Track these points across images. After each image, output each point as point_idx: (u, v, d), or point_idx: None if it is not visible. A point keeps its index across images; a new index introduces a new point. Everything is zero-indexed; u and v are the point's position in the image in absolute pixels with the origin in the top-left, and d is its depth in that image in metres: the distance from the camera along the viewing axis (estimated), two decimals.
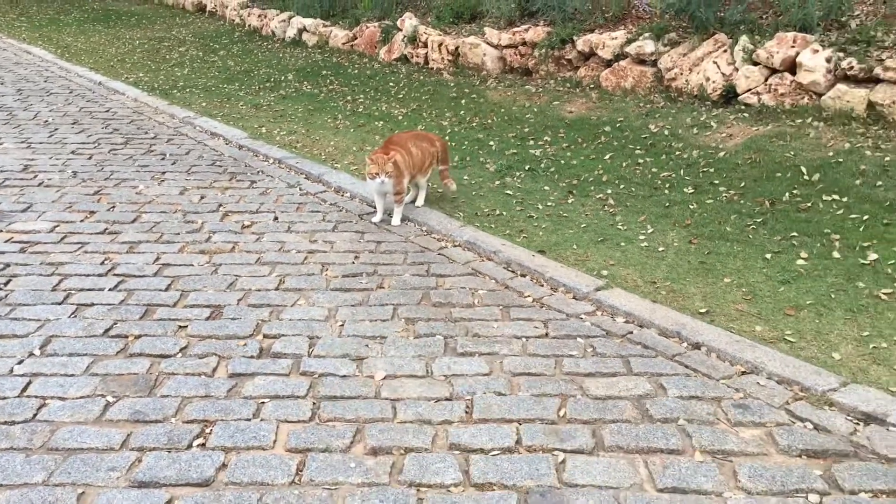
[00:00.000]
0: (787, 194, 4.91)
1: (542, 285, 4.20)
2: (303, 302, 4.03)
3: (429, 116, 7.56)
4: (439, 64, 9.04)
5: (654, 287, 4.07)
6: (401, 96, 8.37)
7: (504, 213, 5.17)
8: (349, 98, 8.48)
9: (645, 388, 3.17)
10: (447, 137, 6.87)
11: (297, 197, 5.64)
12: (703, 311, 3.79)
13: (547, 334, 3.65)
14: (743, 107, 6.25)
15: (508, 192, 5.53)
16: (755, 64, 6.27)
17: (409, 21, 9.74)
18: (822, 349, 3.40)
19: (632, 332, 3.65)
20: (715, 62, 6.54)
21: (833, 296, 3.84)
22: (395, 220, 5.09)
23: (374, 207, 5.20)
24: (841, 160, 5.12)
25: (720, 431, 2.88)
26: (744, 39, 6.40)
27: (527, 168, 5.92)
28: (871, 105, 5.59)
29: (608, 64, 7.39)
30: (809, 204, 4.76)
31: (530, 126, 6.84)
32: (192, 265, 4.47)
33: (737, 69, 6.39)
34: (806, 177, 5.06)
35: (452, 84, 8.42)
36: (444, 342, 3.58)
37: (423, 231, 5.00)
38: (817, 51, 5.91)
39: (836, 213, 4.61)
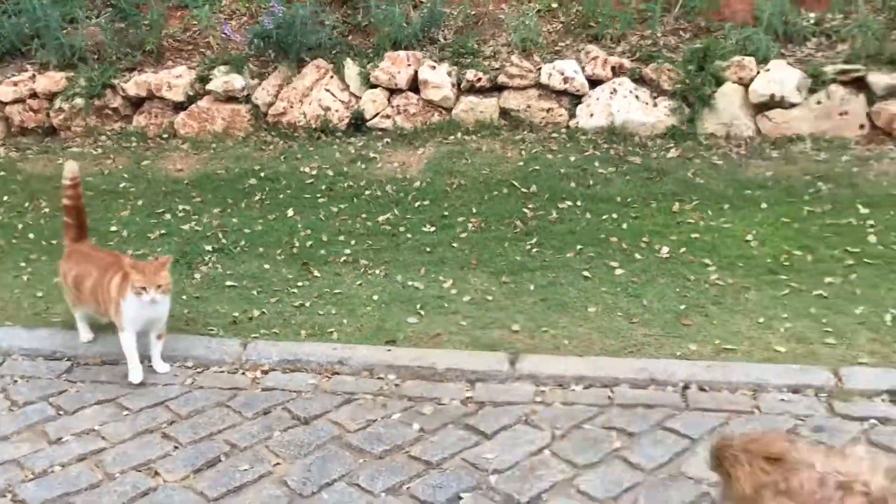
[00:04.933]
0: (525, 211, 4.91)
1: (444, 381, 3.45)
2: None
3: None
4: None
5: (547, 339, 3.71)
6: None
7: (263, 311, 4.06)
8: None
9: None
10: (25, 234, 5.02)
11: None
12: (631, 348, 3.61)
13: (564, 436, 3.03)
14: (379, 132, 5.97)
15: (229, 283, 4.35)
16: (374, 87, 6.03)
17: None
18: (763, 346, 3.57)
19: (611, 396, 3.27)
20: (328, 90, 6.07)
21: (687, 295, 4.03)
22: (160, 362, 3.56)
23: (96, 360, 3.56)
24: (537, 167, 5.32)
25: None
26: (349, 63, 6.08)
27: (210, 249, 4.71)
28: (504, 112, 5.90)
29: (180, 107, 6.25)
30: (556, 215, 4.85)
31: (141, 197, 5.40)
32: None
33: (356, 95, 6.05)
34: (524, 190, 5.12)
35: None
36: None
37: (194, 367, 3.62)
38: (434, 67, 5.96)
39: (589, 219, 4.80)
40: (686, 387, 3.31)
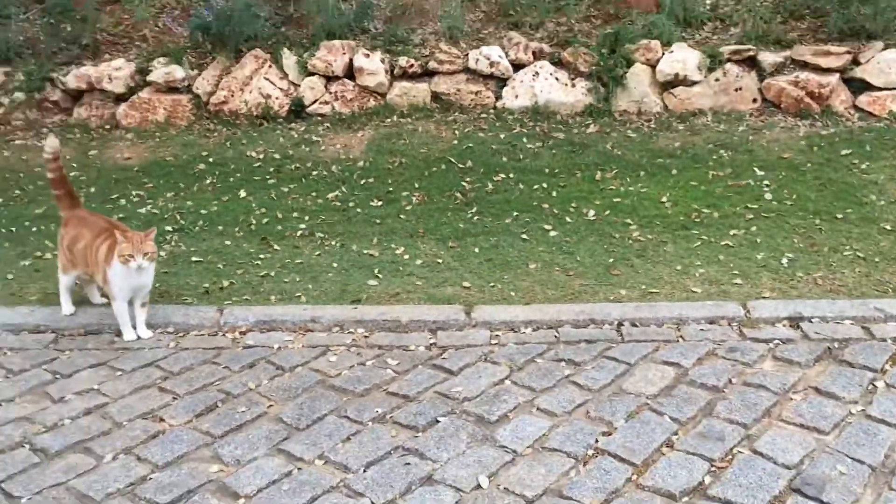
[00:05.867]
0: (464, 184, 5.37)
1: (409, 331, 3.87)
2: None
3: None
4: None
5: (495, 293, 4.18)
6: None
7: (232, 281, 4.39)
8: None
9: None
10: None
11: None
12: (570, 296, 4.10)
13: (520, 369, 3.49)
14: (319, 118, 6.32)
15: (195, 259, 4.65)
16: (311, 74, 6.36)
17: None
18: (682, 289, 4.13)
19: (557, 336, 3.74)
20: (267, 79, 6.37)
21: (614, 251, 4.56)
22: (145, 329, 3.85)
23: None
24: (471, 145, 5.79)
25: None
26: (287, 53, 6.40)
27: (171, 229, 5.00)
28: (435, 96, 6.33)
29: (121, 98, 6.44)
30: (491, 187, 5.33)
31: (93, 184, 5.61)
32: None
33: (294, 83, 6.37)
34: (461, 165, 5.58)
35: None
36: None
37: (175, 332, 3.94)
38: (368, 55, 6.34)
39: (522, 189, 5.29)
40: (620, 324, 3.83)
